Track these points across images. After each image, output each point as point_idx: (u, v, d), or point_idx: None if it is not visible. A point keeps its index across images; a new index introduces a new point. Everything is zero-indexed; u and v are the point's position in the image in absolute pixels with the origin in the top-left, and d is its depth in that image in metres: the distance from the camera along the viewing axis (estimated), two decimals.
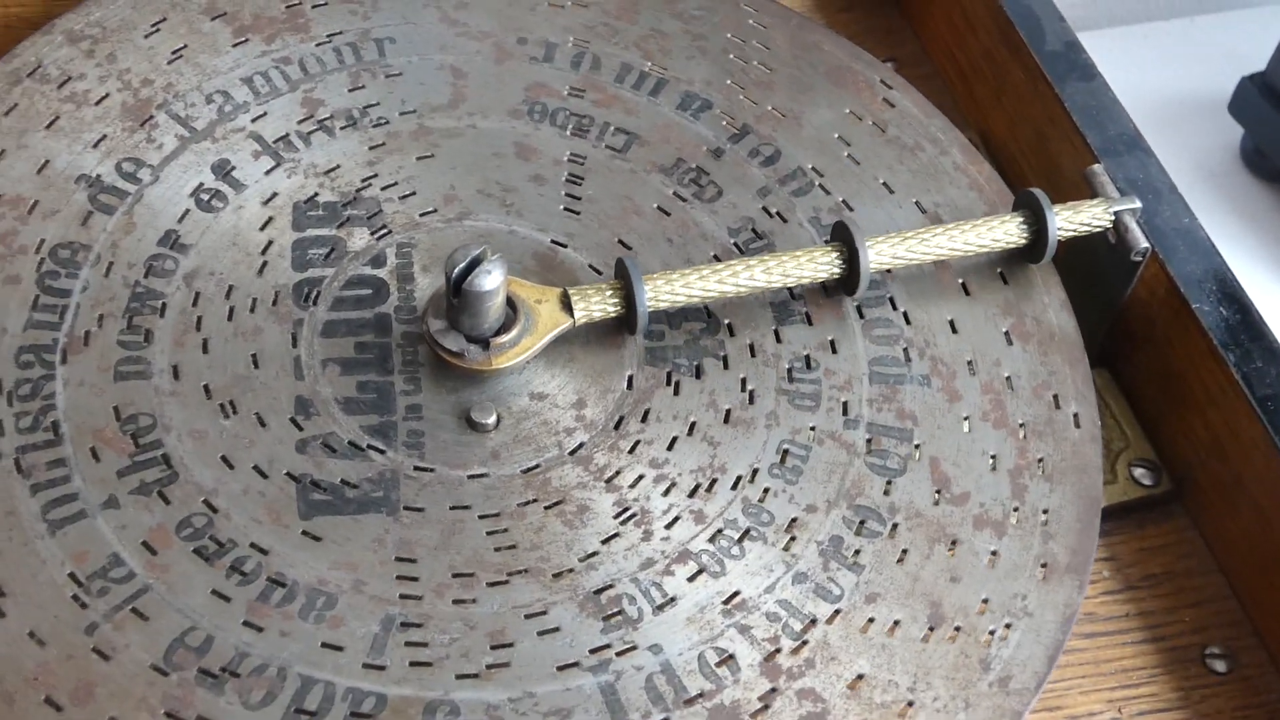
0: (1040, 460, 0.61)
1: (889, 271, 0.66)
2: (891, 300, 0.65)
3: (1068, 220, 0.65)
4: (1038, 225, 0.65)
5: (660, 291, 0.62)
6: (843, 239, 0.63)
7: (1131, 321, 0.68)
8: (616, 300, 0.62)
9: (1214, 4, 1.25)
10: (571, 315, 0.62)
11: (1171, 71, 1.19)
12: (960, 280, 0.66)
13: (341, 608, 0.57)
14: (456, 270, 0.59)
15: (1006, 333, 0.65)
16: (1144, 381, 0.68)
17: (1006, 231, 0.65)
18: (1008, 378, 0.63)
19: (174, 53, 0.70)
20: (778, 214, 0.67)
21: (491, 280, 0.59)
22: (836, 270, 0.64)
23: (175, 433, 0.60)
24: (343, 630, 0.56)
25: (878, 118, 0.70)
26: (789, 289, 0.65)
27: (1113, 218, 0.65)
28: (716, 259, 0.66)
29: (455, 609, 0.57)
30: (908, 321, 0.64)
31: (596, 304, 0.62)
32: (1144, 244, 0.64)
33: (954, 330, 0.64)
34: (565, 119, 0.69)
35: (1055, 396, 0.63)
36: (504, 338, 0.61)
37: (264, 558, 0.57)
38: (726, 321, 0.64)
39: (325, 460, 0.60)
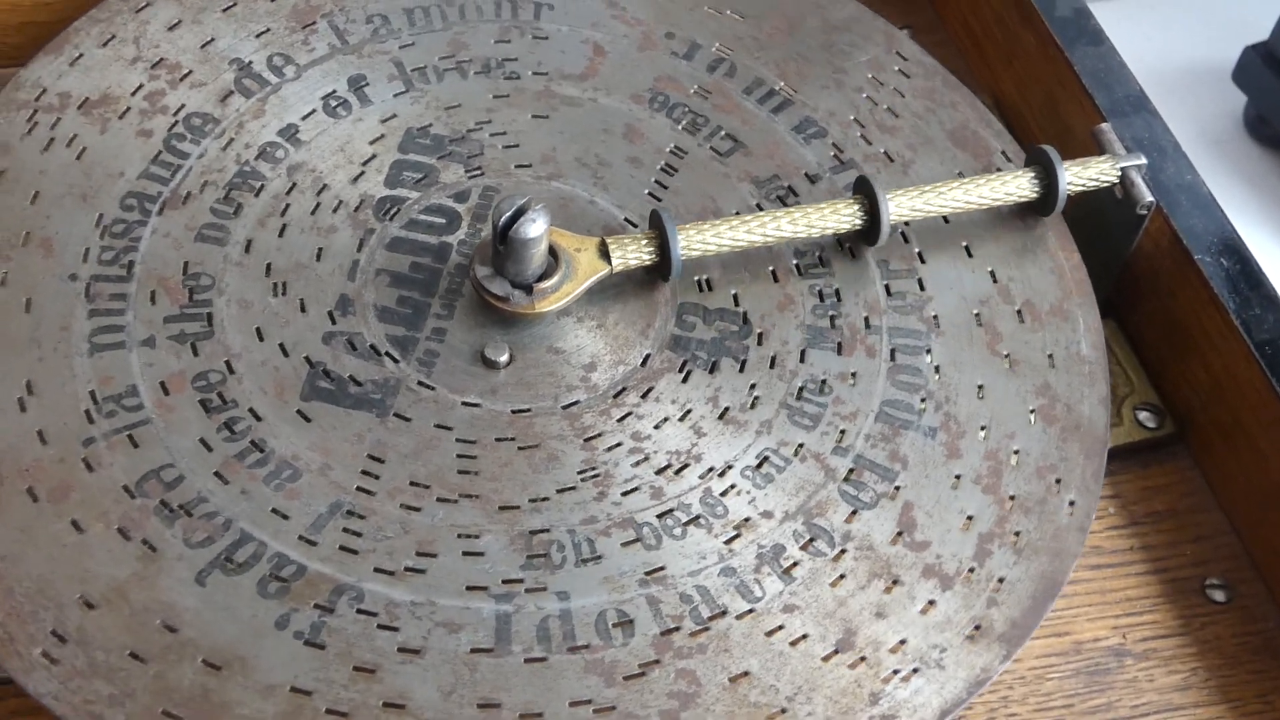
0: (1018, 534, 0.60)
1: (937, 323, 0.65)
2: (929, 351, 0.64)
3: (1077, 175, 0.67)
4: (1048, 180, 0.67)
5: (692, 241, 0.63)
6: (864, 192, 0.65)
7: (1137, 272, 0.71)
8: (652, 249, 0.64)
9: None
10: (609, 262, 0.63)
11: (1177, 41, 1.20)
12: (1007, 353, 0.65)
13: (302, 483, 0.59)
14: (503, 219, 0.61)
15: (1033, 411, 0.63)
16: (1148, 329, 0.71)
17: (1019, 186, 0.67)
18: (1016, 451, 0.62)
19: None
20: (849, 249, 0.67)
21: (536, 228, 0.61)
22: (859, 221, 0.65)
23: (226, 297, 0.63)
24: (294, 503, 0.58)
25: None
26: (832, 316, 0.65)
27: (1119, 173, 0.67)
28: (775, 274, 0.66)
29: (399, 512, 0.58)
30: (937, 373, 0.64)
31: (633, 252, 0.63)
32: (1149, 198, 0.66)
33: (980, 395, 0.64)
34: (682, 114, 0.70)
35: (1058, 480, 0.62)
36: (546, 283, 0.63)
37: (255, 423, 0.60)
38: (759, 332, 0.64)
39: (343, 355, 0.62)
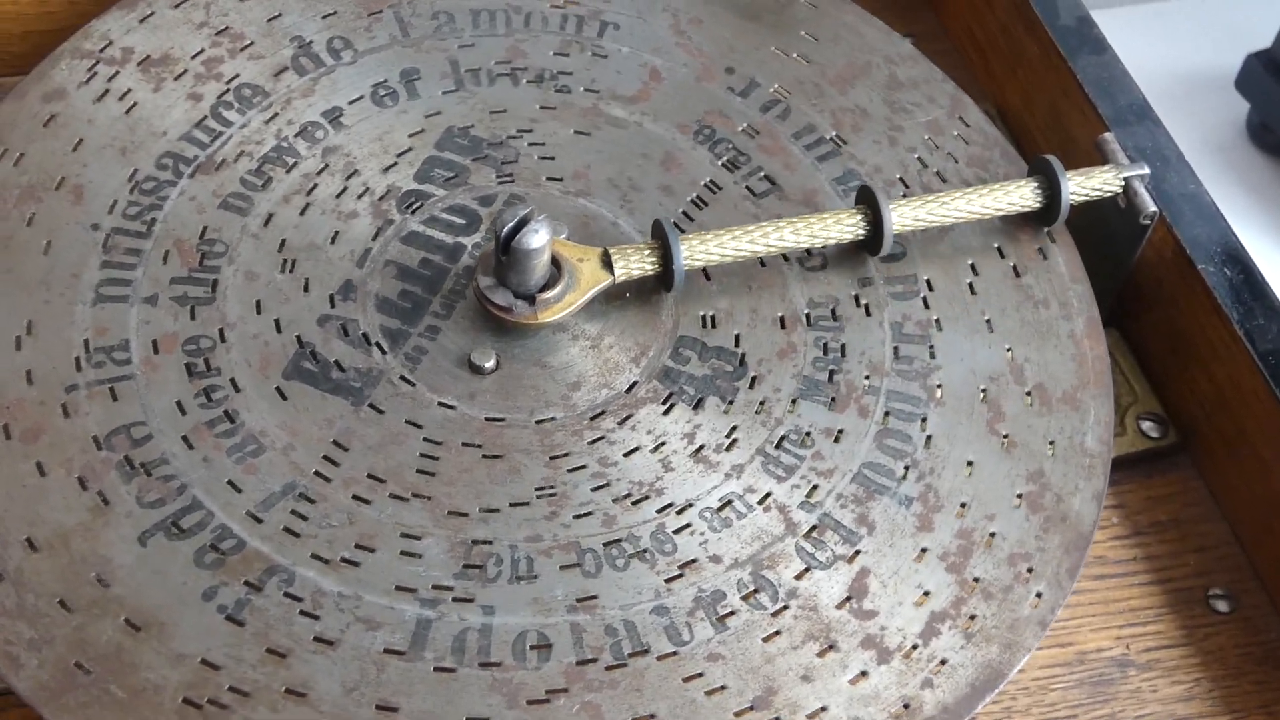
0: (973, 618, 0.58)
1: (939, 393, 0.63)
2: (924, 419, 0.62)
3: (1080, 185, 0.66)
4: (1051, 190, 0.66)
5: (695, 251, 0.62)
6: (867, 202, 0.64)
7: (1140, 282, 0.70)
8: (654, 259, 0.62)
9: None
10: (612, 273, 0.62)
11: (1180, 48, 1.19)
12: (1007, 433, 0.62)
13: (263, 460, 0.59)
14: (505, 229, 0.60)
15: (1020, 496, 0.61)
16: (1152, 339, 0.70)
17: (1022, 196, 0.66)
18: (992, 534, 0.60)
19: None
20: (865, 306, 0.65)
21: (538, 239, 0.60)
22: (861, 231, 0.64)
23: (236, 267, 0.63)
24: (251, 477, 0.58)
25: (1021, 263, 0.67)
26: (831, 371, 0.63)
27: (1123, 183, 0.66)
28: (782, 321, 0.64)
29: (350, 502, 0.58)
30: (928, 443, 0.62)
31: (635, 262, 0.62)
32: (1152, 208, 0.66)
33: (968, 472, 0.61)
34: (725, 149, 0.69)
35: (1030, 570, 0.59)
36: (549, 294, 0.62)
37: (233, 393, 0.60)
38: (753, 375, 0.63)
39: (334, 339, 0.62)
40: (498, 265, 0.61)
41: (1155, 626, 0.64)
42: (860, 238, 0.64)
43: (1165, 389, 0.70)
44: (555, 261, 0.62)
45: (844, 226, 0.64)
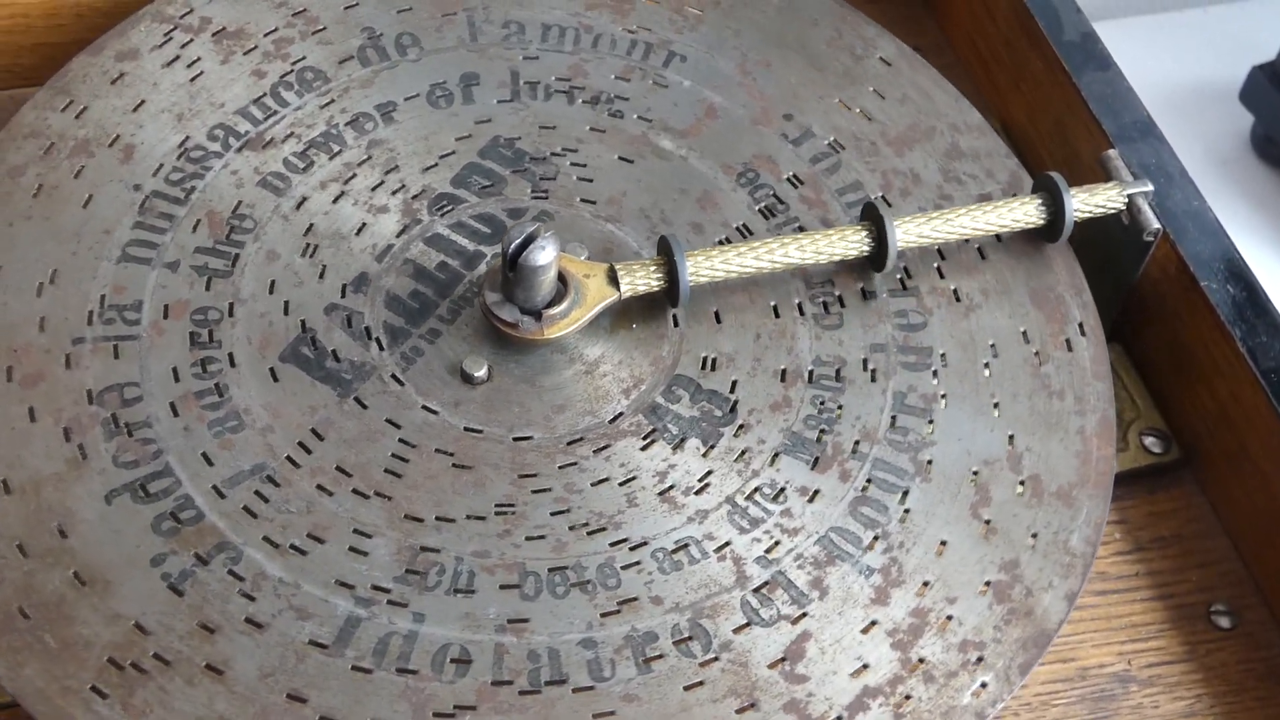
0: (907, 698, 0.57)
1: (929, 468, 0.62)
2: (906, 493, 0.61)
3: (1084, 202, 0.66)
4: (1055, 207, 0.66)
5: (701, 267, 0.62)
6: (872, 218, 0.64)
7: (1143, 298, 0.70)
8: (660, 275, 0.62)
9: None
10: (618, 289, 0.62)
11: (1184, 60, 1.18)
12: (989, 519, 0.61)
13: (240, 437, 0.59)
14: (513, 245, 0.60)
15: (988, 583, 0.60)
16: (1155, 355, 0.70)
17: (1026, 212, 0.66)
18: (949, 617, 0.59)
19: None
20: (872, 371, 0.64)
21: (545, 255, 0.60)
22: (866, 248, 0.64)
23: (259, 245, 0.64)
24: (225, 453, 0.59)
25: (1045, 350, 0.66)
26: (821, 431, 0.62)
27: (1126, 200, 0.66)
28: (784, 374, 0.64)
29: (313, 491, 0.58)
30: (904, 517, 0.60)
31: (641, 278, 0.62)
32: (1156, 225, 0.66)
33: (939, 551, 0.60)
34: (764, 195, 0.68)
35: (979, 660, 0.58)
36: (555, 309, 0.62)
37: (228, 368, 0.61)
38: (741, 423, 0.62)
39: (336, 329, 0.62)
40: (504, 281, 0.61)
41: (1157, 642, 0.64)
42: (865, 254, 0.64)
43: (1168, 404, 0.70)
44: (562, 277, 0.62)
45: (849, 243, 0.64)
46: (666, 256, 0.62)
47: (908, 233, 0.64)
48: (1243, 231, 0.97)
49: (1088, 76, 0.73)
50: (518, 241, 0.60)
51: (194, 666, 0.54)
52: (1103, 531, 0.62)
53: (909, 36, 0.79)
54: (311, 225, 0.65)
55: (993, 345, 0.65)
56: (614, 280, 0.62)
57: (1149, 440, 0.68)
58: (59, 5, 0.76)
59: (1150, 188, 0.66)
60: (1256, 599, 0.65)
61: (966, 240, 0.67)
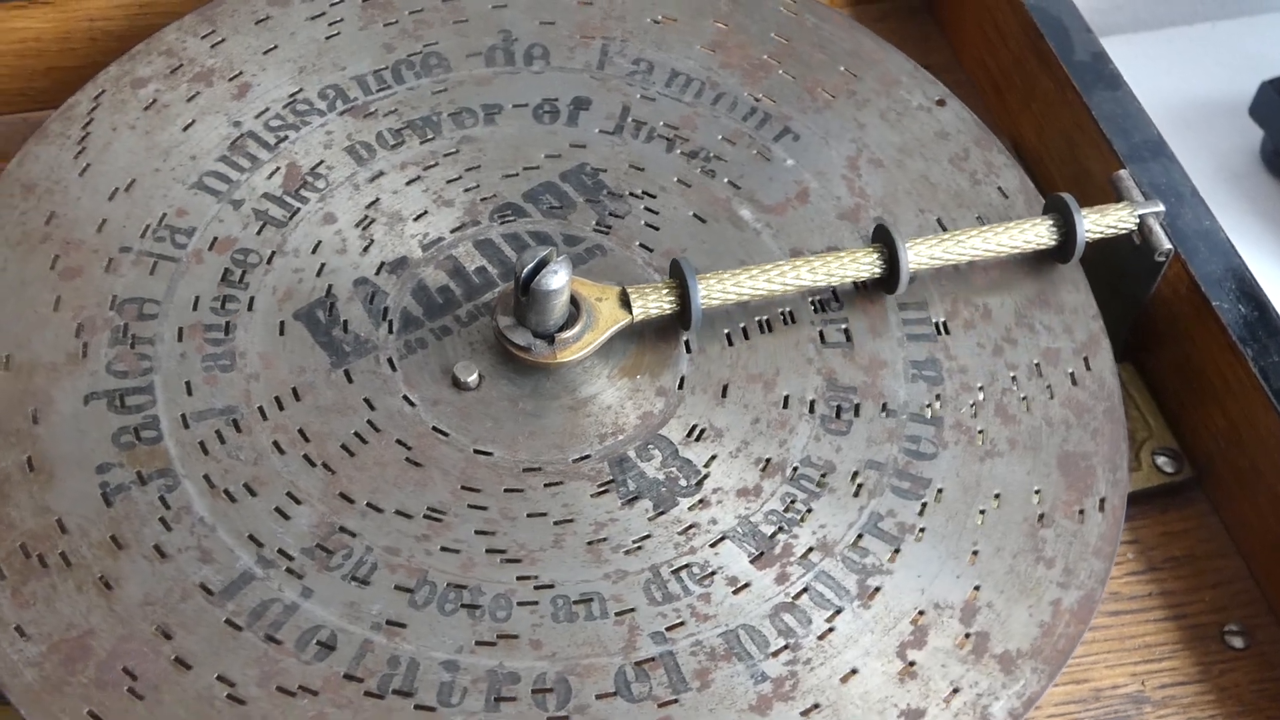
0: None
1: (870, 597, 0.60)
2: (838, 613, 0.59)
3: (1095, 223, 0.66)
4: (1067, 228, 0.65)
5: (713, 290, 0.62)
6: (883, 240, 0.64)
7: (1155, 318, 0.70)
8: (672, 298, 0.62)
9: (1235, 9, 1.17)
10: (630, 312, 0.62)
11: (1193, 75, 1.14)
12: (913, 662, 0.59)
13: (226, 377, 0.61)
14: (525, 270, 0.60)
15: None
16: (1166, 375, 0.70)
17: (1038, 234, 0.65)
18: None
19: (664, 17, 0.74)
20: (859, 486, 0.62)
21: (557, 280, 0.60)
22: (878, 270, 0.64)
23: (321, 206, 0.66)
24: (208, 388, 0.61)
25: (1051, 515, 0.62)
26: (780, 528, 0.61)
27: (1138, 220, 0.66)
28: (766, 464, 0.62)
29: (267, 446, 0.59)
30: (825, 636, 0.58)
31: (653, 301, 0.62)
32: (1167, 245, 0.66)
33: (845, 678, 0.57)
34: (823, 290, 0.67)
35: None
36: (568, 333, 0.62)
37: (244, 311, 0.63)
38: (701, 498, 0.61)
39: (356, 302, 0.64)
40: (517, 305, 0.61)
41: (1170, 663, 0.63)
42: (876, 276, 0.64)
43: (1180, 424, 0.69)
44: (574, 301, 0.62)
45: (860, 265, 0.64)
46: (679, 279, 0.62)
47: (919, 254, 0.64)
48: (1254, 247, 0.96)
49: (1098, 96, 0.73)
50: (530, 266, 0.60)
51: (89, 575, 0.56)
52: (1031, 710, 0.59)
53: (920, 55, 0.77)
54: (377, 200, 0.66)
55: (997, 495, 0.62)
56: (626, 303, 0.62)
57: (1161, 460, 0.68)
58: (72, 29, 0.77)
59: (1161, 208, 0.66)
60: (1269, 619, 0.65)
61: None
